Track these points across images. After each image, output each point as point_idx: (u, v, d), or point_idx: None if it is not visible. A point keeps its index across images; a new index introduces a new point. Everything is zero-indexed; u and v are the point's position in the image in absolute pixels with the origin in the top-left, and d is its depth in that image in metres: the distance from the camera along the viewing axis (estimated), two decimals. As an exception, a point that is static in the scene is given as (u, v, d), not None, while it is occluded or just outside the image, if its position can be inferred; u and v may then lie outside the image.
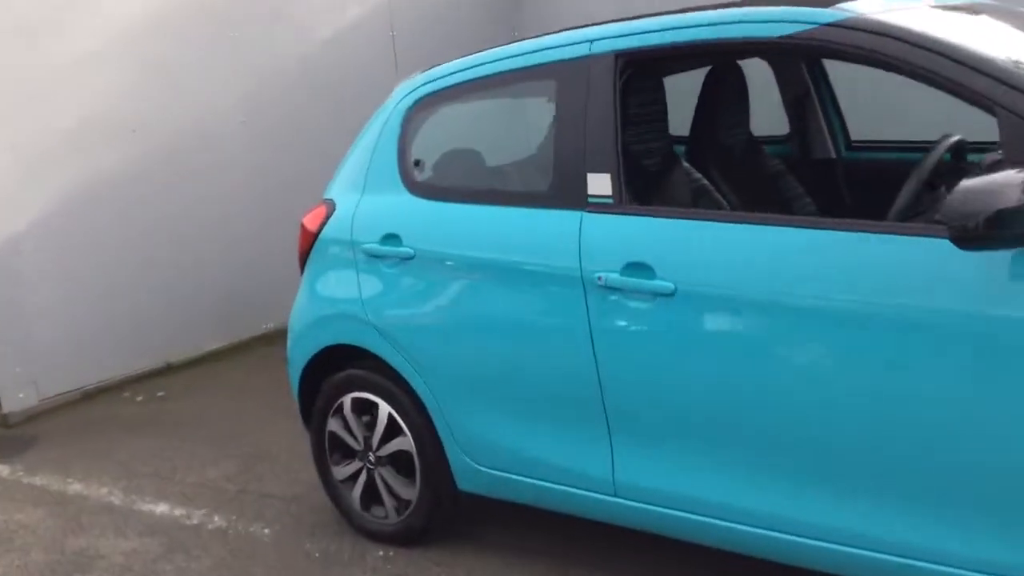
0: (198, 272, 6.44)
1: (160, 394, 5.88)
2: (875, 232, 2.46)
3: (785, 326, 2.55)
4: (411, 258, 3.33)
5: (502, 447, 3.21)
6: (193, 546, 3.88)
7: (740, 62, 3.64)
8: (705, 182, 3.36)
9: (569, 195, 2.96)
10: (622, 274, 2.80)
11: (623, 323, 2.83)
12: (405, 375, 3.39)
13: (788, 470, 2.62)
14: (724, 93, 3.59)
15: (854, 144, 4.04)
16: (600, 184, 2.90)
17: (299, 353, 3.77)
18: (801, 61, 4.05)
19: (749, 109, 3.68)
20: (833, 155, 4.02)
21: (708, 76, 3.57)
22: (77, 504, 4.39)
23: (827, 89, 4.06)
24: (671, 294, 2.71)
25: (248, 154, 6.65)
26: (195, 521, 4.10)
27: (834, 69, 4.04)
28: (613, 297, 2.83)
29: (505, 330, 3.11)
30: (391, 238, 3.40)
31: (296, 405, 3.94)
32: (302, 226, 3.75)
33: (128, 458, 4.87)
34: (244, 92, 6.61)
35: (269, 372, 6.07)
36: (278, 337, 6.82)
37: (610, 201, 2.88)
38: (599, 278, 2.84)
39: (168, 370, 6.27)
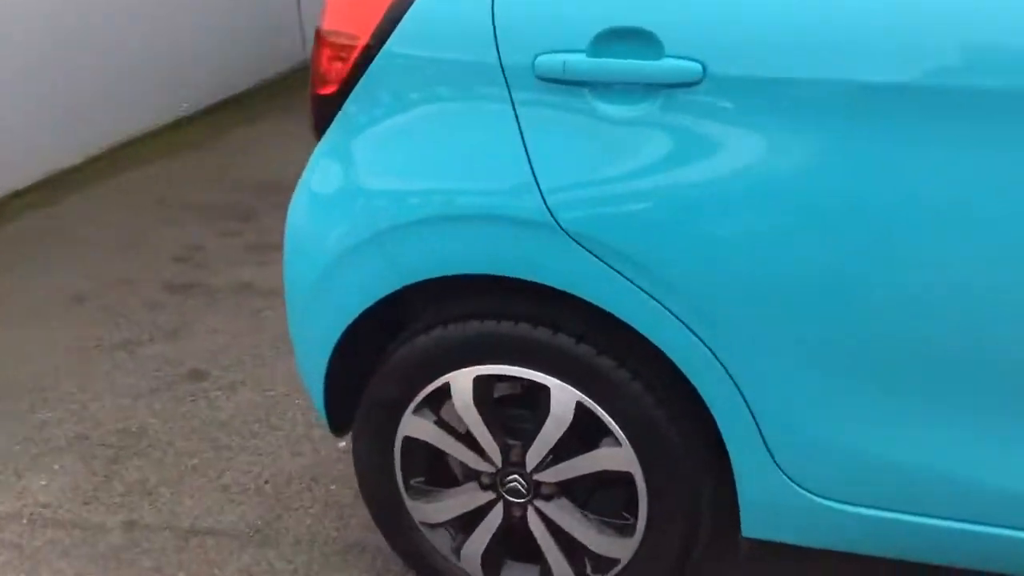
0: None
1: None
2: None
3: None
4: (694, 84, 1.48)
5: (912, 468, 1.57)
6: None
7: None
8: None
9: None
10: None
11: None
12: (655, 336, 1.60)
13: None
14: None
15: None
16: None
17: (332, 303, 1.82)
18: None
19: None
20: None
21: None
22: None
23: None
24: None
25: None
26: None
27: None
28: None
29: (982, 250, 1.42)
30: (627, 38, 1.49)
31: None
32: (318, 35, 1.74)
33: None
34: None
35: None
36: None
37: None
38: None
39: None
